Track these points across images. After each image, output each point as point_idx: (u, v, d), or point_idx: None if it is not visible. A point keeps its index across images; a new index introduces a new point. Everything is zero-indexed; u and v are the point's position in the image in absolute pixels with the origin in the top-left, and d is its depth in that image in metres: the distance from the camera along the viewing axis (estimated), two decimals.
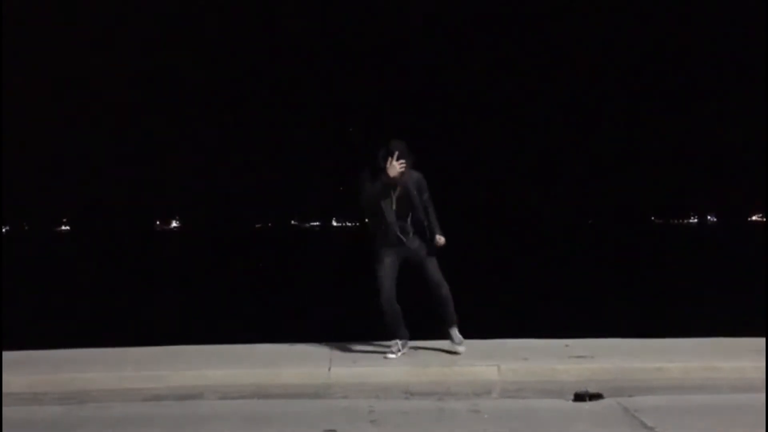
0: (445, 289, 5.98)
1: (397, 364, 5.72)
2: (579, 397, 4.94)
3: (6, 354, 6.06)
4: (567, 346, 6.28)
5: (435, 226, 5.99)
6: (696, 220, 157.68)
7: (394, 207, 5.87)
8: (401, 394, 5.20)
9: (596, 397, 4.94)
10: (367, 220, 6.04)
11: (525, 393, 5.21)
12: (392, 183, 5.82)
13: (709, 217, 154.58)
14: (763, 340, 6.11)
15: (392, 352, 5.89)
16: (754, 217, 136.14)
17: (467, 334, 6.15)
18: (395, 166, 5.74)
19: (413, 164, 5.89)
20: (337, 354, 6.04)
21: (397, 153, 5.74)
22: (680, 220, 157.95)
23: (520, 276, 23.87)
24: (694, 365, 5.63)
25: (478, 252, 40.36)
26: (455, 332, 6.01)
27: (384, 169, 5.76)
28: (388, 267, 5.89)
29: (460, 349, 5.96)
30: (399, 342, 5.91)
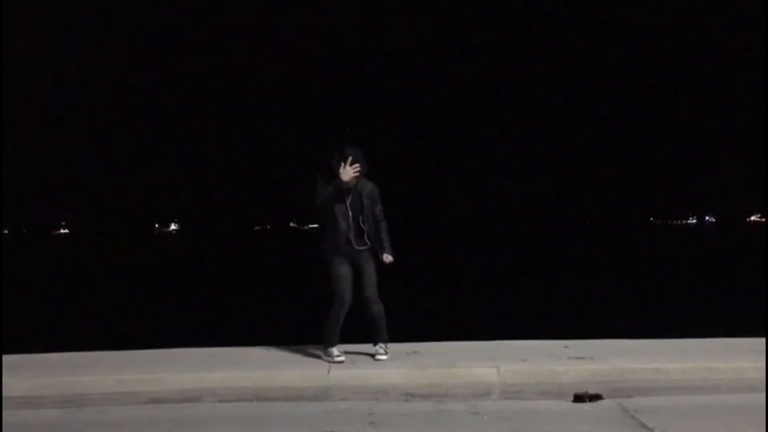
0: (377, 307, 5.94)
1: (396, 367, 5.72)
2: (578, 398, 4.94)
3: (5, 357, 6.06)
4: (566, 347, 6.29)
5: (385, 243, 6.00)
6: (694, 221, 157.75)
7: (348, 213, 5.88)
8: (400, 396, 5.20)
9: (596, 398, 4.95)
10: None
11: (524, 394, 5.21)
12: (345, 188, 5.83)
13: (707, 218, 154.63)
14: (763, 340, 6.12)
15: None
16: (752, 218, 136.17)
17: (467, 336, 6.16)
18: (348, 171, 5.75)
19: (367, 173, 5.90)
20: (366, 355, 6.03)
21: (351, 158, 5.75)
22: (679, 221, 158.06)
23: (520, 277, 23.86)
24: (693, 366, 5.63)
25: (477, 253, 40.36)
26: (379, 346, 5.98)
27: (337, 174, 5.78)
28: (345, 276, 5.88)
29: (380, 357, 5.93)
30: (337, 348, 5.93)
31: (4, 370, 5.59)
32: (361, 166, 5.79)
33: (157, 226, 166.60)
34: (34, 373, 5.66)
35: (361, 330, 6.08)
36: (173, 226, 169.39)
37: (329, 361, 5.86)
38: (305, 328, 6.86)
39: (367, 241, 5.93)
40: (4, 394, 5.22)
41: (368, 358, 5.98)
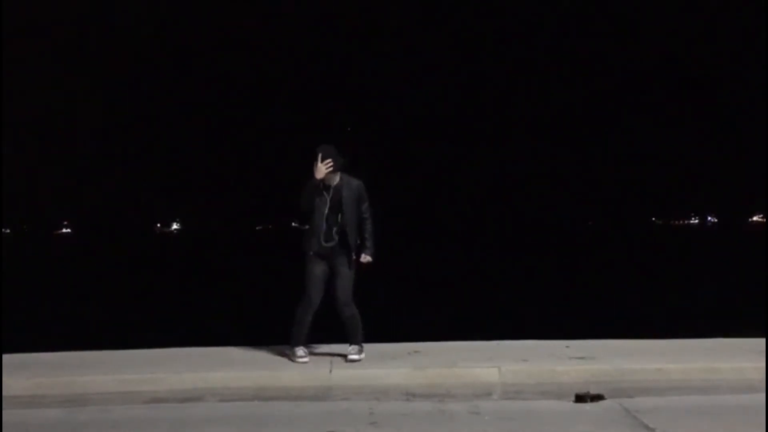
0: (349, 310, 5.92)
1: (397, 367, 5.72)
2: (580, 399, 4.94)
3: (6, 357, 6.07)
4: (567, 347, 6.29)
5: (367, 242, 5.98)
6: (696, 221, 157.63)
7: (326, 211, 5.86)
8: (402, 396, 5.20)
9: (597, 398, 4.94)
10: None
11: (525, 394, 5.21)
12: (321, 185, 5.82)
13: (709, 218, 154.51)
14: (763, 340, 6.11)
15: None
16: (754, 218, 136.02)
17: (468, 336, 6.15)
18: (321, 168, 5.73)
19: (342, 167, 5.87)
20: (337, 356, 6.03)
21: (321, 155, 5.74)
22: (681, 221, 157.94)
23: (521, 277, 23.85)
24: (694, 366, 5.63)
25: (479, 253, 40.35)
26: (352, 347, 5.95)
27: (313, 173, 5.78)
28: (317, 277, 5.87)
29: (352, 356, 5.90)
30: (303, 348, 5.91)
31: (5, 369, 5.59)
32: (333, 161, 5.76)
33: (158, 225, 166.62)
34: (34, 373, 5.66)
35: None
36: (175, 226, 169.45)
37: (293, 361, 5.85)
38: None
39: (342, 240, 5.88)
40: (4, 393, 5.23)
41: (370, 357, 5.96)
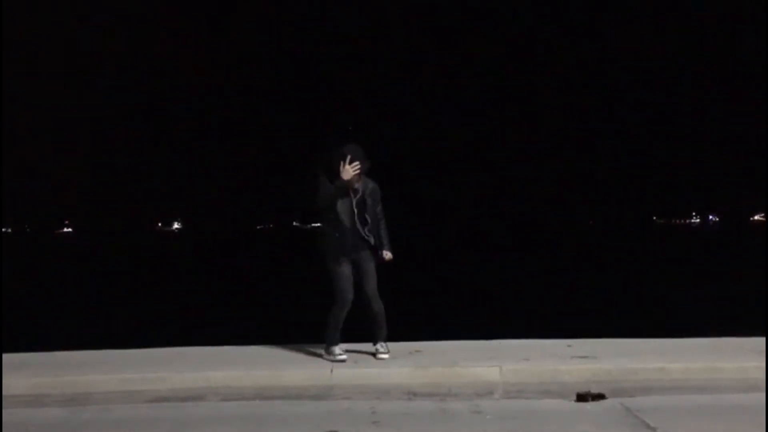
0: (377, 305, 5.93)
1: (398, 366, 5.71)
2: (581, 398, 4.93)
3: (7, 356, 6.07)
4: (569, 346, 6.28)
5: (385, 240, 6.01)
6: (698, 220, 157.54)
7: (354, 212, 5.86)
8: (403, 395, 5.19)
9: (598, 397, 4.94)
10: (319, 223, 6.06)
11: (527, 394, 5.20)
12: (347, 187, 5.82)
13: (710, 217, 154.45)
14: (764, 339, 6.10)
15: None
16: (756, 217, 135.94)
17: (468, 336, 6.14)
18: (348, 170, 5.72)
19: (368, 170, 5.87)
20: (368, 354, 6.02)
21: (349, 157, 5.73)
22: (682, 220, 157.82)
23: (522, 276, 23.84)
24: (695, 365, 5.62)
25: (480, 252, 40.35)
26: (380, 345, 5.97)
27: (338, 173, 5.76)
28: (347, 276, 5.87)
29: (382, 356, 5.92)
30: (339, 347, 5.92)
31: (6, 368, 5.59)
32: (360, 164, 5.77)
33: (159, 225, 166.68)
34: (36, 372, 5.66)
35: (361, 329, 6.07)
36: (176, 225, 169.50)
37: (331, 360, 5.86)
38: (307, 327, 6.85)
39: (370, 240, 5.92)
40: (6, 392, 5.22)
41: (370, 357, 5.97)
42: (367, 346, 6.13)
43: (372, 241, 5.92)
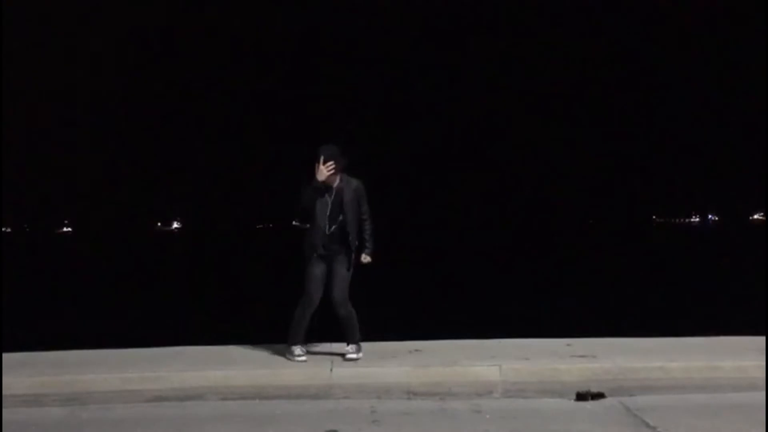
0: (344, 310, 5.91)
1: (398, 365, 5.72)
2: (581, 397, 4.94)
3: (7, 355, 6.07)
4: (569, 345, 6.29)
5: (367, 242, 5.97)
6: (697, 219, 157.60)
7: (327, 212, 5.85)
8: (403, 395, 5.20)
9: (598, 396, 4.95)
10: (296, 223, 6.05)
11: (527, 393, 5.21)
12: (323, 187, 5.81)
13: (710, 216, 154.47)
14: (764, 338, 6.11)
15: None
16: (755, 216, 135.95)
17: (468, 335, 6.13)
18: (322, 170, 5.72)
19: (344, 167, 5.86)
20: (338, 355, 6.03)
21: (323, 157, 5.73)
22: (681, 219, 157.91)
23: (522, 275, 23.85)
24: (695, 364, 5.63)
25: (480, 252, 40.37)
26: (351, 346, 5.95)
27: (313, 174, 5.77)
28: (317, 277, 5.86)
29: (351, 356, 5.90)
30: (300, 347, 5.91)
31: (6, 368, 5.59)
32: (335, 163, 5.75)
33: (159, 224, 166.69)
34: (36, 372, 5.67)
35: (361, 329, 6.06)
36: (175, 225, 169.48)
37: (291, 360, 5.85)
38: (308, 326, 6.83)
39: (343, 241, 5.88)
40: (6, 392, 5.23)
41: (371, 356, 5.97)
42: (367, 346, 6.14)
43: (350, 240, 5.87)
